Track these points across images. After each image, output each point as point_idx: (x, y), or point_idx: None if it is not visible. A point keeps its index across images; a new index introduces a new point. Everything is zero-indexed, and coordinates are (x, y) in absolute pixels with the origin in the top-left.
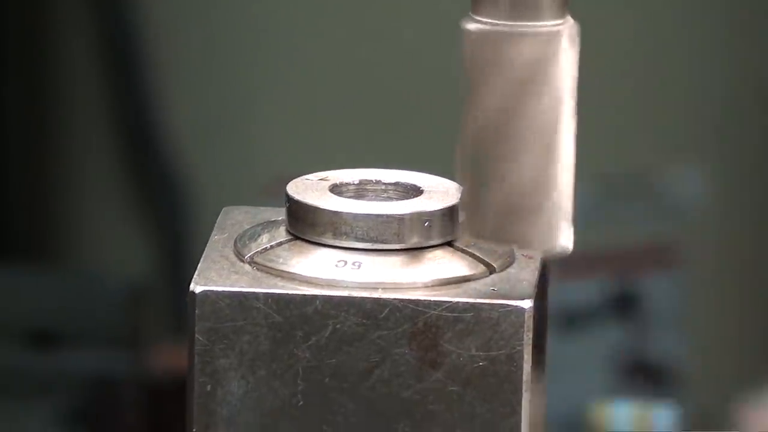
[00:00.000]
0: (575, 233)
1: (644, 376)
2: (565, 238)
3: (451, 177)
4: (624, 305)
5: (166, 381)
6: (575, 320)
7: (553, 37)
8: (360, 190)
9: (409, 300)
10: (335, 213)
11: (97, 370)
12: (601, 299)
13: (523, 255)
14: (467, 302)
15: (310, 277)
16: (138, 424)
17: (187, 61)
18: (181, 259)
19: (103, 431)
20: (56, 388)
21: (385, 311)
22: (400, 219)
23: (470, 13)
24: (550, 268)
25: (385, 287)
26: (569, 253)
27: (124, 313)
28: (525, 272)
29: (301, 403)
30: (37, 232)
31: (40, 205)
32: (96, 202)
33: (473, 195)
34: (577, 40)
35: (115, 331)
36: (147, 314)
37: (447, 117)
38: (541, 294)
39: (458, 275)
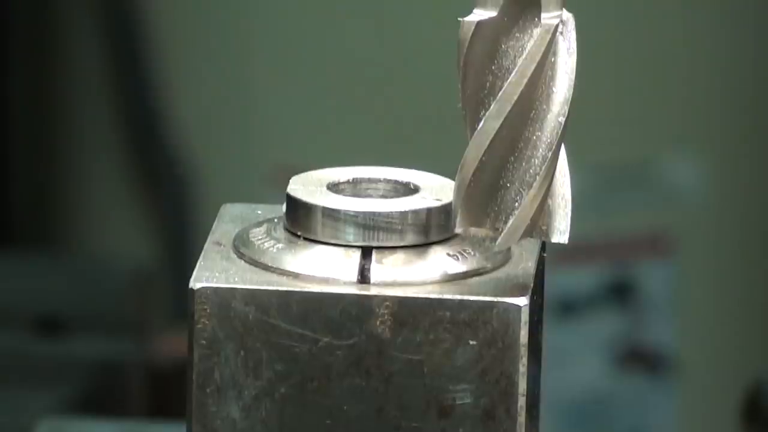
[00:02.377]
0: (572, 222)
1: (640, 363)
2: (563, 228)
3: (445, 173)
4: (620, 293)
5: (170, 367)
6: (572, 308)
7: (550, 29)
8: (357, 188)
9: (406, 297)
10: (333, 211)
11: (102, 356)
12: (598, 287)
13: (519, 249)
14: (464, 299)
15: (308, 274)
16: (142, 409)
17: (191, 53)
18: (184, 246)
19: (107, 416)
20: (61, 373)
21: (382, 307)
22: (397, 217)
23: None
24: (548, 257)
25: (383, 284)
26: (567, 242)
27: (129, 299)
28: (520, 269)
29: (298, 396)
30: (42, 219)
31: (45, 192)
32: (101, 190)
33: (471, 186)
34: (573, 31)
35: (119, 317)
36: (151, 301)
37: (444, 111)
38: (537, 288)
39: (455, 272)
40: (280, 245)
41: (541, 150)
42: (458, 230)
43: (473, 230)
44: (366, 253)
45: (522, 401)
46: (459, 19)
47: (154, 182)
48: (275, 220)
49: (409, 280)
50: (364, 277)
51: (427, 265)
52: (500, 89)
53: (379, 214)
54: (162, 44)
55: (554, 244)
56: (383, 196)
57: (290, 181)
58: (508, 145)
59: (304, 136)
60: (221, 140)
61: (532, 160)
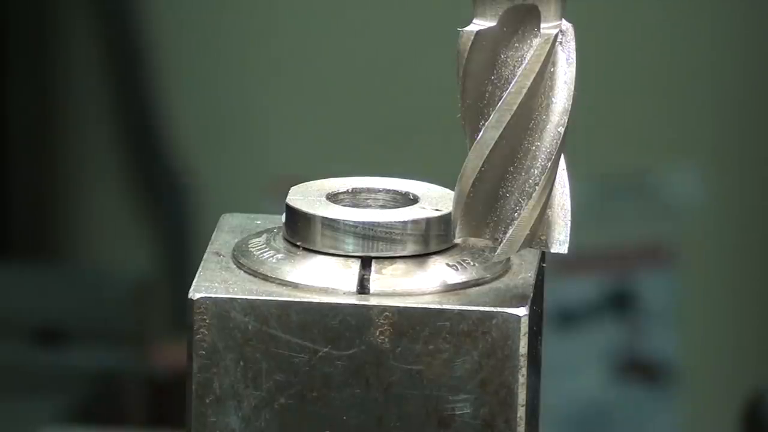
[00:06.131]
0: (572, 232)
1: (640, 373)
2: (562, 238)
3: (444, 183)
4: (620, 303)
5: (169, 377)
6: (572, 318)
7: (550, 39)
8: (357, 199)
9: (406, 307)
10: (333, 221)
11: (102, 366)
12: (598, 297)
13: (518, 259)
14: (464, 309)
15: (308, 284)
16: (142, 419)
17: (191, 64)
18: (184, 256)
19: (107, 426)
20: (61, 383)
21: (382, 318)
22: (396, 227)
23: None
24: (548, 267)
25: (383, 294)
26: (566, 252)
27: (129, 310)
28: (520, 279)
29: (298, 406)
30: (43, 230)
31: (46, 204)
32: (101, 201)
33: (470, 196)
34: (573, 42)
35: (119, 327)
36: (151, 311)
37: (444, 121)
38: (536, 299)
39: (454, 282)
40: (279, 255)
41: (540, 160)
42: (458, 240)
43: (473, 240)
44: (365, 263)
45: (521, 412)
46: (458, 29)
47: (154, 193)
48: (275, 230)
49: (408, 290)
50: (363, 288)
51: (427, 276)
52: (499, 99)
53: (379, 224)
54: (162, 56)
55: (554, 254)
56: (383, 207)
57: (290, 191)
58: (508, 155)
59: (303, 146)
60: (221, 151)
61: (532, 170)
